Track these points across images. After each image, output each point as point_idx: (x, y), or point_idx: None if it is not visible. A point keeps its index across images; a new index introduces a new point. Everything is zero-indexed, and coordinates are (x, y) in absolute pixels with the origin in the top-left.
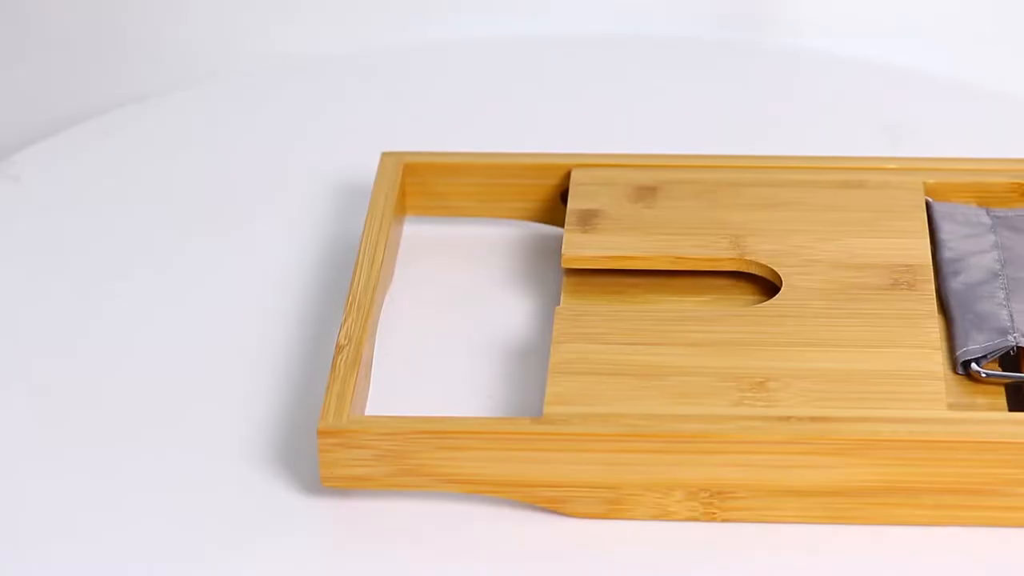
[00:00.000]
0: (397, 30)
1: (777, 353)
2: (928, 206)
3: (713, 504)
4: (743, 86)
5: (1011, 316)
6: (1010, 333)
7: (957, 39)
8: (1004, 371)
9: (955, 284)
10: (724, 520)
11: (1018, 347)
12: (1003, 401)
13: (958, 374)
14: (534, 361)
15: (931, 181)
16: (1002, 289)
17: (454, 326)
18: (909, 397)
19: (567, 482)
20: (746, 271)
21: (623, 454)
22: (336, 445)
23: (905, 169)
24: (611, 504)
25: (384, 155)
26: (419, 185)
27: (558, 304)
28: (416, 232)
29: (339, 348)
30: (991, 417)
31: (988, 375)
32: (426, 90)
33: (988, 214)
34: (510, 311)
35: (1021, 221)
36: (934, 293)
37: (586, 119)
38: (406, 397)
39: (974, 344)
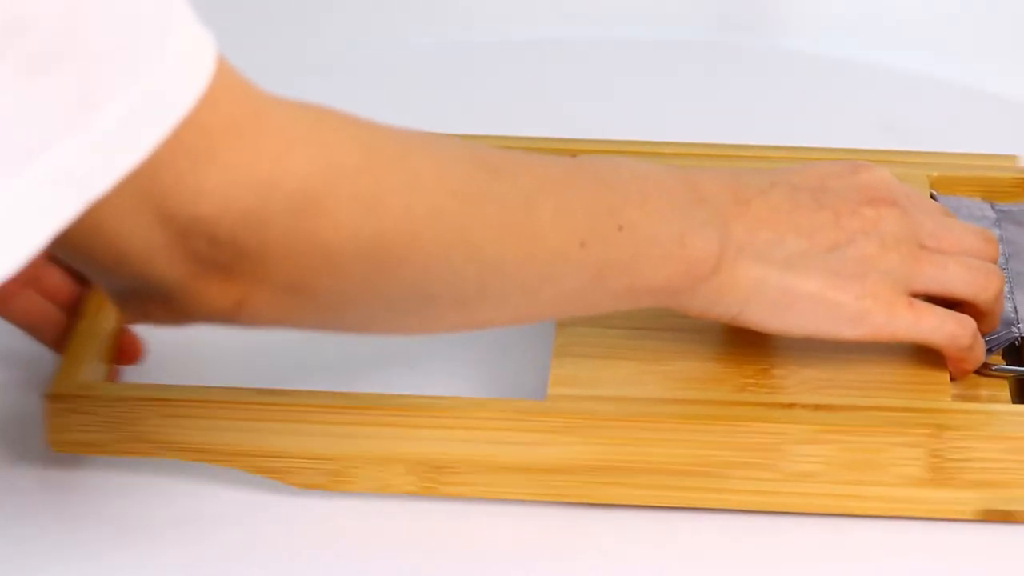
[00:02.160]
0: (397, 30)
1: (781, 340)
2: (933, 200)
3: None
4: (745, 88)
5: (1015, 308)
6: (1014, 324)
7: (957, 39)
8: (1008, 363)
9: None
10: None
11: (1022, 338)
12: (1007, 394)
13: None
14: (538, 344)
15: (936, 175)
16: (1007, 282)
17: None
18: (913, 387)
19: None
20: None
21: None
22: (65, 410)
23: (910, 163)
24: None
25: None
26: None
27: None
28: None
29: None
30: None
31: (995, 369)
32: (426, 92)
33: (993, 208)
34: None
35: None
36: None
37: (587, 122)
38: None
39: None
